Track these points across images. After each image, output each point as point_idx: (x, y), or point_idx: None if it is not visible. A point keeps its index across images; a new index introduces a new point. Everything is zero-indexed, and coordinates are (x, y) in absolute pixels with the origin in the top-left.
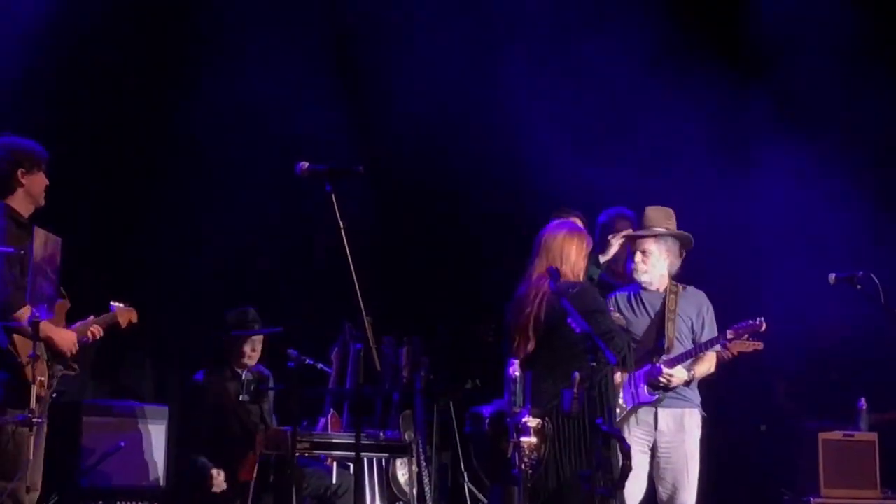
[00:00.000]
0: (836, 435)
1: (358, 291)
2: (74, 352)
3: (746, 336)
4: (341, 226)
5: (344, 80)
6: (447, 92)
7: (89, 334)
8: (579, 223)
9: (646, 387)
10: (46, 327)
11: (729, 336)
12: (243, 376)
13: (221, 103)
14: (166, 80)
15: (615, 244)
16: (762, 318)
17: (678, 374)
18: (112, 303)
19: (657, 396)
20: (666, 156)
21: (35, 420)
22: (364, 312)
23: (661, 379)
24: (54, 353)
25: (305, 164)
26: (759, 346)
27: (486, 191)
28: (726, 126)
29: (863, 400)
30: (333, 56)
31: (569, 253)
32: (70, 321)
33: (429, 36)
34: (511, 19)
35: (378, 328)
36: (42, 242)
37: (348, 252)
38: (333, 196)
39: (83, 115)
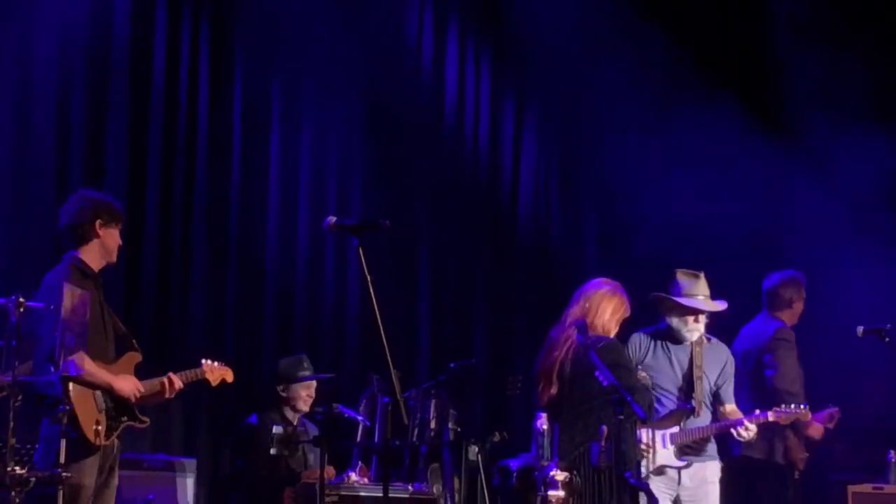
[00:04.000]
0: (866, 488)
1: (385, 345)
2: (137, 397)
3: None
4: (369, 279)
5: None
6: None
7: (165, 385)
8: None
9: (675, 449)
10: (98, 370)
11: (770, 418)
12: (273, 430)
13: (259, 149)
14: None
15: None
16: (807, 406)
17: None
18: (203, 360)
19: (685, 462)
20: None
21: (64, 475)
22: (392, 366)
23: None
24: (117, 400)
25: (333, 219)
26: (807, 416)
27: (516, 247)
28: (757, 188)
29: (892, 452)
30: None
31: (605, 309)
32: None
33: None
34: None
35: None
36: (70, 297)
37: (375, 305)
38: (360, 250)
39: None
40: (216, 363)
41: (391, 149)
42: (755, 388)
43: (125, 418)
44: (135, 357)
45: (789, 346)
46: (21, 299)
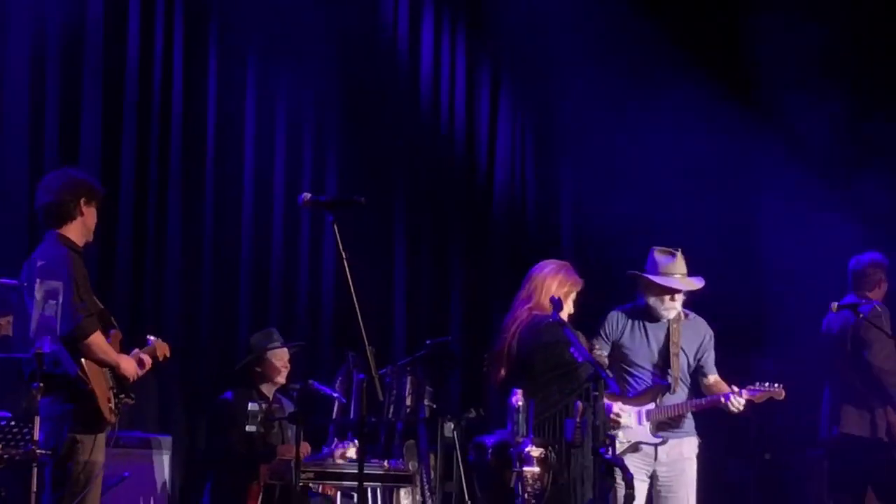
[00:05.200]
0: None
1: (361, 321)
2: (135, 378)
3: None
4: (344, 256)
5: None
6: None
7: (146, 360)
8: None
9: (650, 426)
10: (110, 349)
11: (745, 396)
12: (249, 407)
13: (234, 126)
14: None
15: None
16: (781, 385)
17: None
18: (149, 337)
19: (661, 438)
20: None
21: (39, 452)
22: (367, 342)
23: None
24: (118, 379)
25: (307, 195)
26: (781, 394)
27: (492, 222)
28: (728, 156)
29: None
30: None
31: (549, 287)
32: None
33: None
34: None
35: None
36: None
37: (351, 282)
38: (336, 226)
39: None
40: (157, 339)
41: (366, 124)
42: (853, 367)
43: (122, 395)
44: (117, 336)
45: (883, 323)
46: None
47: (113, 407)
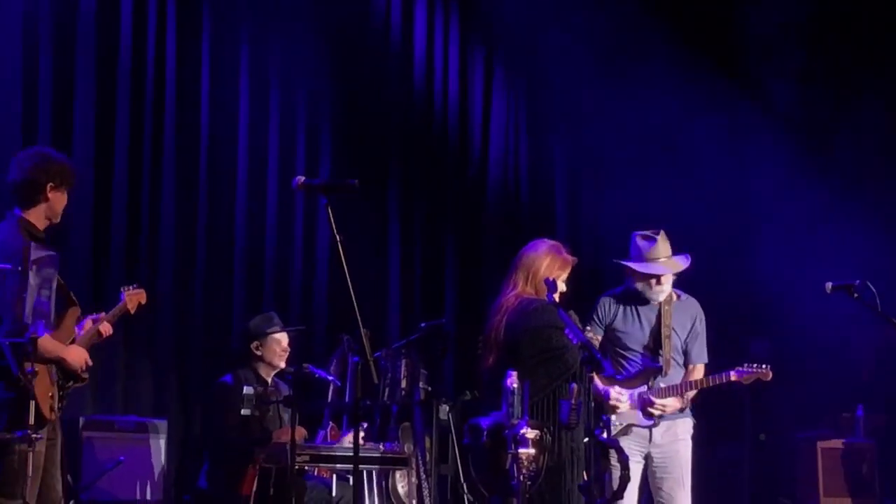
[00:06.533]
0: (835, 443)
1: (355, 304)
2: (86, 367)
3: (749, 378)
4: (338, 238)
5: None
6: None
7: (103, 331)
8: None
9: (640, 411)
10: (57, 348)
11: (732, 378)
12: (244, 391)
13: (227, 110)
14: (170, 82)
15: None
16: (768, 366)
17: (672, 403)
18: (122, 289)
19: (653, 422)
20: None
21: (35, 437)
22: (361, 325)
23: (654, 410)
24: (66, 372)
25: (301, 179)
26: (768, 375)
27: (486, 205)
28: (717, 128)
29: (861, 408)
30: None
31: (538, 270)
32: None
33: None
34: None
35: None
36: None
37: (345, 265)
38: (329, 209)
39: (79, 120)
40: (130, 288)
41: (359, 107)
42: None
43: (71, 382)
44: (75, 312)
45: None
46: None
47: (54, 403)
